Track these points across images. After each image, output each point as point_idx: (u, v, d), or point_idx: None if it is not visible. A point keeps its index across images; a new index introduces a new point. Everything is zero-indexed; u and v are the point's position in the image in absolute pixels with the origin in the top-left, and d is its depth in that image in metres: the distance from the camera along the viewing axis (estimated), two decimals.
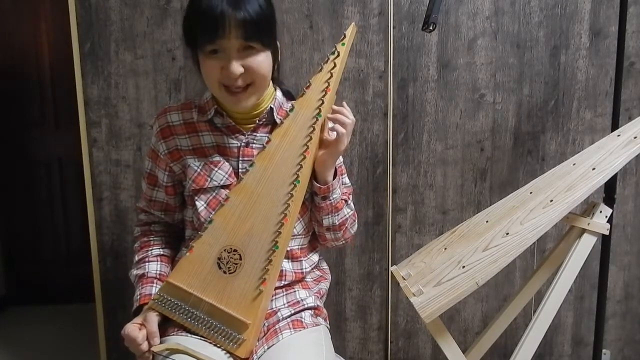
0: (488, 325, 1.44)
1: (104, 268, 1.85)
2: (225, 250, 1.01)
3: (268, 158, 1.05)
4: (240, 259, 1.01)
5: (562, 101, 1.82)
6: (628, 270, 1.91)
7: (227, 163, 1.09)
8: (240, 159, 1.09)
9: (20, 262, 2.84)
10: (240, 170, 1.09)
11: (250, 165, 1.06)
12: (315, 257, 1.21)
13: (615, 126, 1.40)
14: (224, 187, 1.08)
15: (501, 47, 1.78)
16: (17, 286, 2.84)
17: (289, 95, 1.19)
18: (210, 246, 1.02)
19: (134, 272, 1.12)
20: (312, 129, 1.05)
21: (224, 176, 1.09)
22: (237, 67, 0.98)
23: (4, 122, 2.74)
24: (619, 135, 1.28)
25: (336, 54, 1.09)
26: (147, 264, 1.11)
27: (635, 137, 1.25)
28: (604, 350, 1.89)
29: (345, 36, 1.11)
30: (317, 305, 1.15)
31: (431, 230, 1.87)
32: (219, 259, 1.01)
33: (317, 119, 1.06)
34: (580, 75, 1.81)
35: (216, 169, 1.08)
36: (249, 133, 1.10)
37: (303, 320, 1.09)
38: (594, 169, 1.25)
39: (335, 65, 1.08)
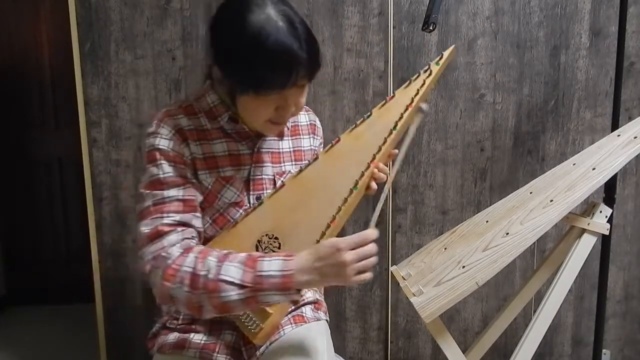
0: (488, 325, 1.44)
1: (104, 268, 1.84)
2: (267, 235, 0.99)
3: (333, 157, 1.03)
4: (279, 247, 0.99)
5: (562, 101, 1.82)
6: (628, 270, 1.91)
7: (238, 178, 1.02)
8: (253, 165, 1.05)
9: (20, 262, 2.84)
10: (252, 177, 1.04)
11: (315, 159, 1.04)
12: None
13: (615, 126, 1.40)
14: (233, 204, 1.02)
15: (501, 47, 1.78)
16: (17, 286, 2.84)
17: None
18: (253, 227, 1.00)
19: (231, 264, 0.88)
20: (384, 140, 1.03)
21: (235, 194, 1.02)
22: (293, 110, 0.96)
23: (4, 122, 2.74)
24: (619, 135, 1.28)
25: (428, 72, 1.06)
26: (237, 253, 0.91)
27: (635, 137, 1.25)
28: (604, 350, 1.89)
29: (442, 56, 1.08)
30: (317, 298, 1.16)
31: (431, 230, 1.87)
32: (259, 241, 0.99)
33: (392, 133, 1.03)
34: (580, 75, 1.81)
35: (228, 186, 1.01)
36: (261, 138, 1.06)
37: (304, 314, 1.10)
38: (594, 169, 1.25)
39: (424, 84, 1.05)
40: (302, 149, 1.13)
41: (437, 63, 1.07)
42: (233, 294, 0.85)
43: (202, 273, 0.86)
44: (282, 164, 1.08)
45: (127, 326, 1.88)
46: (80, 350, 2.31)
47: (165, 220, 0.92)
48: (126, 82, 1.76)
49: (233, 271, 0.86)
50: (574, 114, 1.83)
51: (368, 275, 0.86)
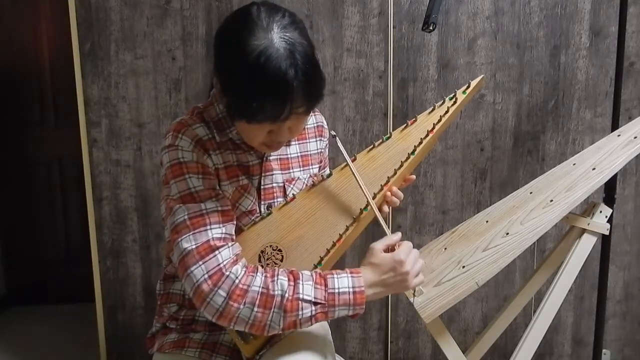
0: (488, 325, 1.44)
1: (104, 268, 1.85)
2: (270, 246, 0.98)
3: (347, 175, 1.02)
4: (282, 260, 0.97)
5: (562, 101, 1.82)
6: (628, 270, 1.91)
7: (253, 187, 1.01)
8: (263, 174, 1.03)
9: (20, 262, 2.84)
10: (263, 186, 1.02)
11: (328, 176, 1.03)
12: None
13: (615, 126, 1.40)
14: (247, 212, 1.01)
15: (501, 47, 1.78)
16: (17, 286, 2.84)
17: None
18: (258, 236, 0.99)
19: (304, 283, 0.88)
20: (400, 164, 1.02)
21: (251, 202, 1.01)
22: (287, 136, 0.93)
23: (4, 122, 2.74)
24: (619, 135, 1.28)
25: (453, 100, 1.05)
26: (300, 271, 0.91)
27: (635, 137, 1.25)
28: (604, 350, 1.89)
29: (469, 86, 1.06)
30: None
31: (431, 230, 1.87)
32: (262, 251, 0.98)
33: (410, 157, 1.02)
34: (580, 75, 1.81)
35: (246, 194, 1.00)
36: None
37: None
38: (594, 169, 1.24)
39: (447, 112, 1.04)
40: (309, 153, 1.12)
41: (463, 92, 1.06)
42: (307, 311, 0.87)
43: (277, 293, 0.86)
44: (291, 170, 1.07)
45: (127, 326, 1.88)
46: (80, 350, 2.31)
47: (213, 234, 0.89)
48: (126, 82, 1.76)
49: (308, 289, 0.87)
50: (574, 114, 1.82)
51: (422, 277, 0.95)
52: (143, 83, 1.77)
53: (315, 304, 0.87)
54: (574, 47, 1.79)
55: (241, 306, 0.85)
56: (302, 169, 1.09)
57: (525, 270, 1.89)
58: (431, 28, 1.34)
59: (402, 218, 1.86)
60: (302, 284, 0.87)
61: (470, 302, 1.91)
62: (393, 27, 1.76)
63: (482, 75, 1.10)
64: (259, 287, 0.86)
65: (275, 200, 1.04)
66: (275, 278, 0.87)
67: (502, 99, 1.81)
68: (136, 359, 1.90)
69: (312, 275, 0.89)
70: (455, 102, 1.05)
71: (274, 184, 1.04)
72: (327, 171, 1.17)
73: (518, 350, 1.25)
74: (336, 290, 0.88)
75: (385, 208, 1.04)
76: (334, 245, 0.96)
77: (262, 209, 1.03)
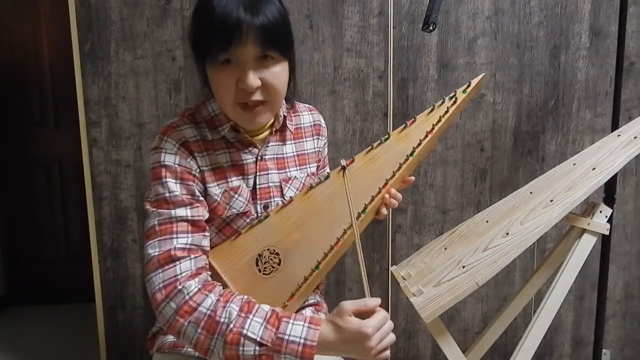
0: (488, 325, 1.44)
1: (104, 268, 1.85)
2: (268, 249, 0.98)
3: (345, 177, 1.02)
4: (279, 264, 0.97)
5: (562, 101, 1.82)
6: (628, 270, 1.91)
7: (245, 188, 1.00)
8: (258, 174, 1.02)
9: (20, 262, 2.84)
10: (258, 185, 1.01)
11: (326, 178, 1.02)
12: None
13: (615, 126, 1.40)
14: (240, 214, 1.00)
15: (501, 47, 1.78)
16: (17, 286, 2.84)
17: (288, 101, 1.12)
18: (256, 239, 0.98)
19: (254, 319, 0.83)
20: (399, 166, 1.01)
21: (243, 204, 0.99)
22: (254, 79, 0.88)
23: (4, 122, 2.74)
24: (619, 135, 1.28)
25: (453, 99, 1.04)
26: (258, 305, 0.87)
27: (635, 137, 1.25)
28: (604, 350, 1.89)
29: (469, 85, 1.05)
30: (317, 300, 1.16)
31: (431, 230, 1.87)
32: (259, 255, 0.97)
33: (409, 159, 1.01)
34: (580, 75, 1.81)
35: (236, 196, 0.99)
36: (263, 145, 1.03)
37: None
38: (594, 169, 1.24)
39: (447, 112, 1.02)
40: (306, 151, 1.11)
41: (463, 91, 1.04)
42: (250, 349, 0.82)
43: (223, 320, 0.83)
44: (287, 170, 1.07)
45: (127, 326, 1.88)
46: (80, 350, 2.31)
47: (176, 244, 0.89)
48: (126, 82, 1.76)
49: (255, 327, 0.83)
50: (574, 114, 1.82)
51: (387, 353, 0.85)
52: (143, 83, 1.77)
53: (260, 345, 0.82)
54: (574, 47, 1.79)
55: (186, 323, 0.84)
56: (298, 168, 1.09)
57: (525, 270, 1.89)
58: (431, 28, 1.34)
59: (402, 218, 1.86)
60: (251, 320, 0.83)
61: (470, 302, 1.91)
62: (393, 27, 1.76)
63: (482, 74, 1.09)
64: (207, 309, 0.84)
65: (272, 200, 1.03)
66: (227, 304, 0.84)
67: (502, 99, 1.81)
68: (136, 359, 1.90)
69: (267, 312, 0.85)
70: (455, 102, 1.03)
71: (270, 184, 1.04)
72: (327, 171, 1.16)
73: (518, 350, 1.25)
74: (286, 337, 0.82)
75: (384, 210, 1.03)
76: (331, 248, 0.96)
77: (259, 209, 1.03)
